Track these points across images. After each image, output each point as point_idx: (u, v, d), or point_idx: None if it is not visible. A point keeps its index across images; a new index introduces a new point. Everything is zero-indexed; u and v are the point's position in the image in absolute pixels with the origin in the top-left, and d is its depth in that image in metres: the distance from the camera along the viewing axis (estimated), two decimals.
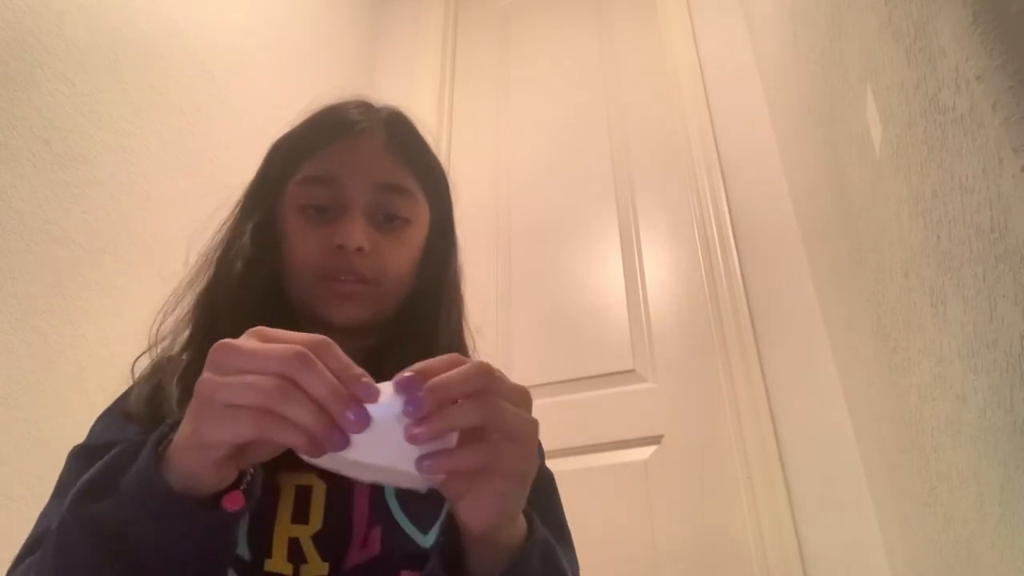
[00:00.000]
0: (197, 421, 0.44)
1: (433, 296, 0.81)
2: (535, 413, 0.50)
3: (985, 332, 0.80)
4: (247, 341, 0.45)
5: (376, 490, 0.66)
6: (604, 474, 1.76)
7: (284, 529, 0.61)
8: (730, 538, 1.61)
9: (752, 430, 1.69)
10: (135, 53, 1.59)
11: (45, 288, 1.29)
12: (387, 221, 0.76)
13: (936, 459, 1.05)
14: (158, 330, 0.76)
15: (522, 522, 0.55)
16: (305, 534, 0.62)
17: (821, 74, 1.42)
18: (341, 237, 0.72)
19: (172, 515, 0.45)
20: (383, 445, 0.44)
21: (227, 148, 1.73)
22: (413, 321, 0.78)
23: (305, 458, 0.44)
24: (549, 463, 0.82)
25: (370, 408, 0.43)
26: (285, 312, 0.75)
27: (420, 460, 0.44)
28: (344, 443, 0.43)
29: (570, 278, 2.06)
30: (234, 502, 0.48)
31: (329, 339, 0.45)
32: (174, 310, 0.77)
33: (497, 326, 2.02)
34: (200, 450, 0.45)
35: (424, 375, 0.45)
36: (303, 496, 0.64)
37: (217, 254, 0.79)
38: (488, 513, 0.49)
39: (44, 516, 0.61)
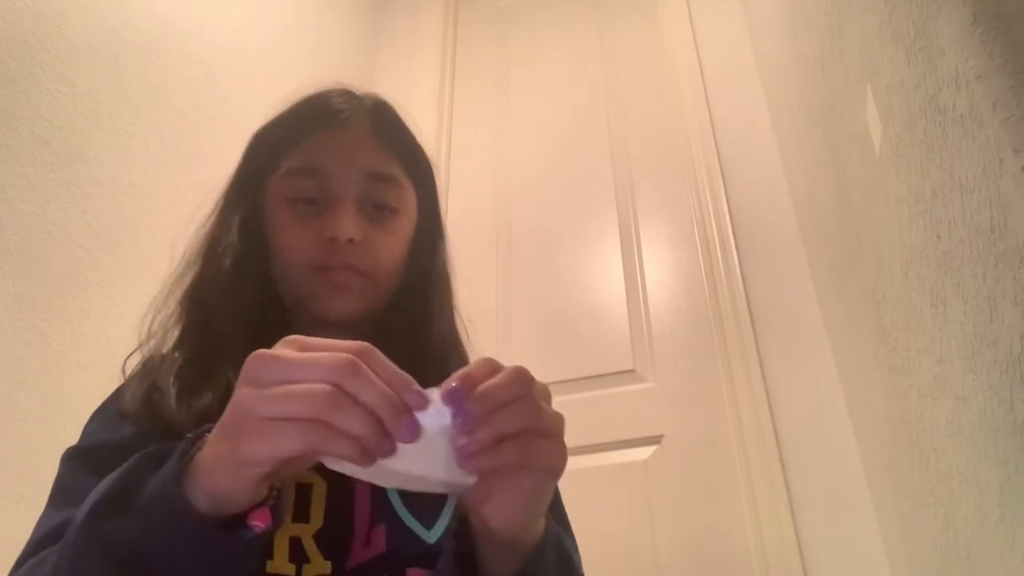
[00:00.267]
0: (237, 438, 0.42)
1: (423, 286, 0.80)
2: None
3: (985, 332, 0.80)
4: (286, 351, 0.43)
5: (378, 486, 0.65)
6: (604, 474, 1.76)
7: (285, 529, 0.60)
8: (730, 538, 1.61)
9: (752, 430, 1.69)
10: (135, 53, 1.59)
11: (45, 288, 1.29)
12: (377, 211, 0.75)
13: (936, 459, 1.05)
14: (149, 328, 0.74)
15: (542, 519, 0.54)
16: (306, 533, 0.61)
17: (821, 74, 1.42)
18: (332, 229, 0.71)
19: (195, 537, 0.43)
20: (424, 454, 0.43)
21: (227, 148, 1.72)
22: (405, 312, 0.77)
23: (330, 465, 0.42)
24: None
25: (418, 416, 0.42)
26: (277, 307, 0.74)
27: (464, 459, 0.43)
28: (392, 452, 0.42)
29: (570, 278, 2.05)
30: (262, 519, 0.46)
31: (372, 345, 0.43)
32: (162, 307, 0.75)
33: (497, 326, 2.02)
34: (239, 469, 0.42)
35: (469, 384, 0.44)
36: (303, 494, 0.62)
37: (204, 250, 0.77)
38: (518, 512, 0.49)
39: (44, 521, 0.59)
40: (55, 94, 1.37)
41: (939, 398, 0.99)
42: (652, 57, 2.37)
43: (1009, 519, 0.82)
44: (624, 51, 2.42)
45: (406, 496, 0.65)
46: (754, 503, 1.62)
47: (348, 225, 0.71)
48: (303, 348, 0.43)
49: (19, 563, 0.55)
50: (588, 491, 1.73)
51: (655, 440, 1.78)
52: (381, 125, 0.79)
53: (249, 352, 0.66)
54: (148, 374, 0.68)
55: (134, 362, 0.73)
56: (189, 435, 0.47)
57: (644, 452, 1.76)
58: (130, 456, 0.51)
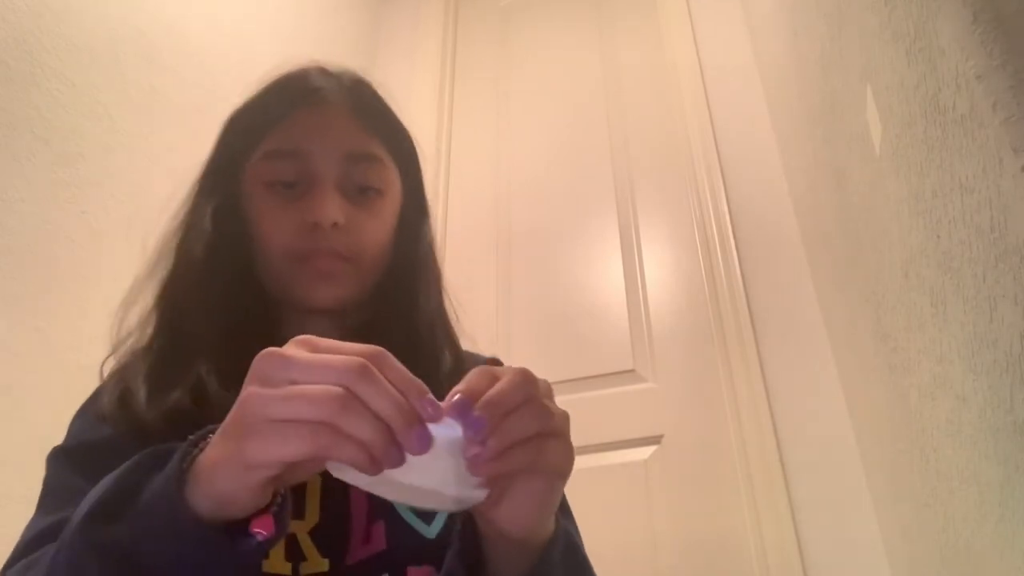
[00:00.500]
0: (241, 439, 0.40)
1: (410, 269, 0.76)
2: None
3: (985, 332, 0.80)
4: (297, 351, 0.41)
5: None
6: (604, 474, 1.76)
7: None
8: (730, 538, 1.61)
9: (752, 430, 1.69)
10: (135, 53, 1.59)
11: (44, 288, 1.29)
12: (360, 193, 0.72)
13: (936, 459, 1.05)
14: (119, 327, 0.71)
15: (552, 518, 0.54)
16: (302, 530, 0.59)
17: (821, 74, 1.42)
18: (314, 213, 0.68)
19: (196, 542, 0.42)
20: (434, 466, 0.41)
21: None
22: (391, 297, 0.74)
23: (336, 474, 0.41)
24: None
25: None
26: (258, 297, 0.71)
27: (476, 468, 0.42)
28: (400, 461, 0.40)
29: (570, 278, 2.05)
30: (265, 527, 0.44)
31: (385, 350, 0.42)
32: (135, 303, 0.72)
33: (497, 326, 2.02)
34: (243, 471, 0.41)
35: (472, 395, 0.43)
36: (297, 489, 0.60)
37: (176, 241, 0.74)
38: (531, 514, 0.48)
39: (33, 523, 0.58)
40: (55, 94, 1.37)
41: (939, 398, 0.99)
42: (652, 57, 2.37)
43: (1009, 519, 0.82)
44: (624, 51, 2.42)
45: None
46: (754, 503, 1.62)
47: (331, 209, 0.68)
48: (314, 349, 0.42)
49: (8, 565, 0.53)
50: (588, 491, 1.73)
51: (655, 440, 1.78)
52: (361, 103, 0.76)
53: (225, 346, 0.64)
54: (122, 374, 0.67)
55: (115, 362, 0.71)
56: (191, 436, 0.46)
57: (644, 452, 1.76)
58: (117, 454, 0.49)
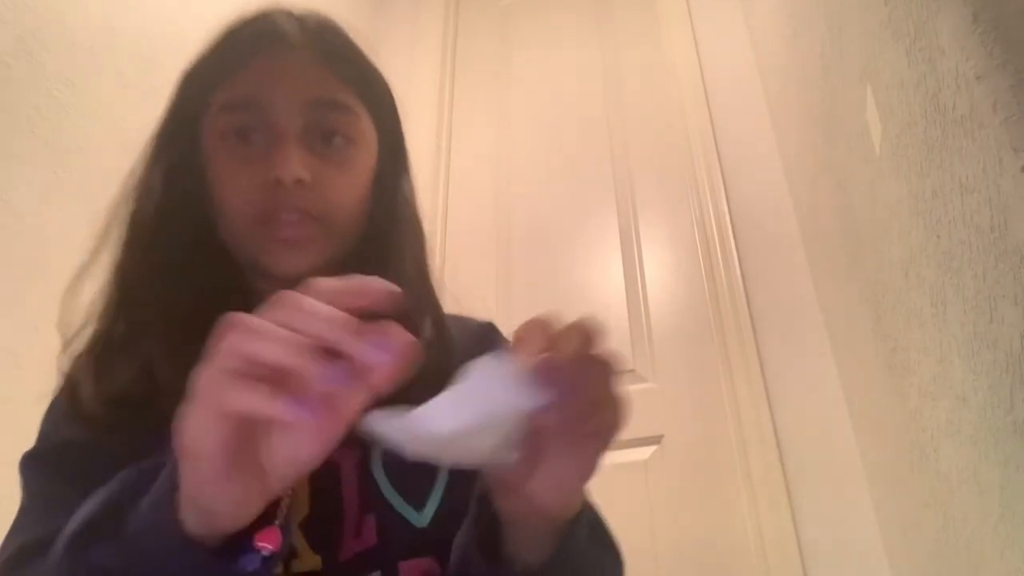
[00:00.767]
0: (205, 403, 0.37)
1: (389, 230, 0.68)
2: None
3: (985, 332, 0.80)
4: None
5: (363, 467, 0.59)
6: (604, 474, 1.75)
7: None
8: (730, 538, 1.61)
9: (752, 430, 1.69)
10: (135, 53, 1.59)
11: (44, 288, 1.29)
12: (326, 144, 0.64)
13: (936, 459, 1.05)
14: (68, 316, 0.65)
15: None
16: (292, 522, 0.55)
17: (821, 74, 1.42)
18: (275, 170, 0.60)
19: (194, 568, 0.39)
20: (469, 412, 0.38)
21: None
22: (370, 262, 0.66)
23: (366, 427, 0.37)
24: None
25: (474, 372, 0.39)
26: (220, 268, 0.65)
27: (547, 372, 0.39)
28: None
29: (570, 278, 2.05)
30: (271, 540, 0.41)
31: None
32: (82, 290, 0.66)
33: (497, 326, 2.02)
34: (198, 461, 0.38)
35: (542, 350, 0.40)
36: None
37: (127, 210, 0.66)
38: (574, 482, 0.45)
39: (14, 537, 0.54)
40: (55, 94, 1.37)
41: (939, 398, 0.99)
42: (652, 57, 2.37)
43: (1009, 519, 0.82)
44: (624, 51, 2.42)
45: (394, 472, 0.60)
46: (754, 503, 1.62)
47: (293, 163, 0.61)
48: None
49: None
50: (588, 491, 1.72)
51: (655, 440, 1.77)
52: (328, 46, 0.67)
53: (180, 324, 0.58)
54: (74, 365, 0.62)
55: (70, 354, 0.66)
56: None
57: (644, 452, 1.76)
58: (87, 453, 0.47)
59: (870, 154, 1.14)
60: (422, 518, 0.59)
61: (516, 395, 0.38)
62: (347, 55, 0.69)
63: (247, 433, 0.38)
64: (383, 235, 0.68)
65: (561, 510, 0.47)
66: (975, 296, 0.81)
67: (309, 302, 0.37)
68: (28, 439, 0.65)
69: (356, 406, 0.38)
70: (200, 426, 0.37)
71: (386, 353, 0.36)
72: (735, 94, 2.14)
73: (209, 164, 0.64)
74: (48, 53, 1.38)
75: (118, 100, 1.53)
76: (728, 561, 1.60)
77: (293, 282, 0.58)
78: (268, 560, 0.41)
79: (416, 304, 0.67)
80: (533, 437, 0.41)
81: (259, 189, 0.61)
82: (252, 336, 0.36)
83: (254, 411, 0.36)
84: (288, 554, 0.54)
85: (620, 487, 1.74)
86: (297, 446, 0.38)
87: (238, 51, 0.66)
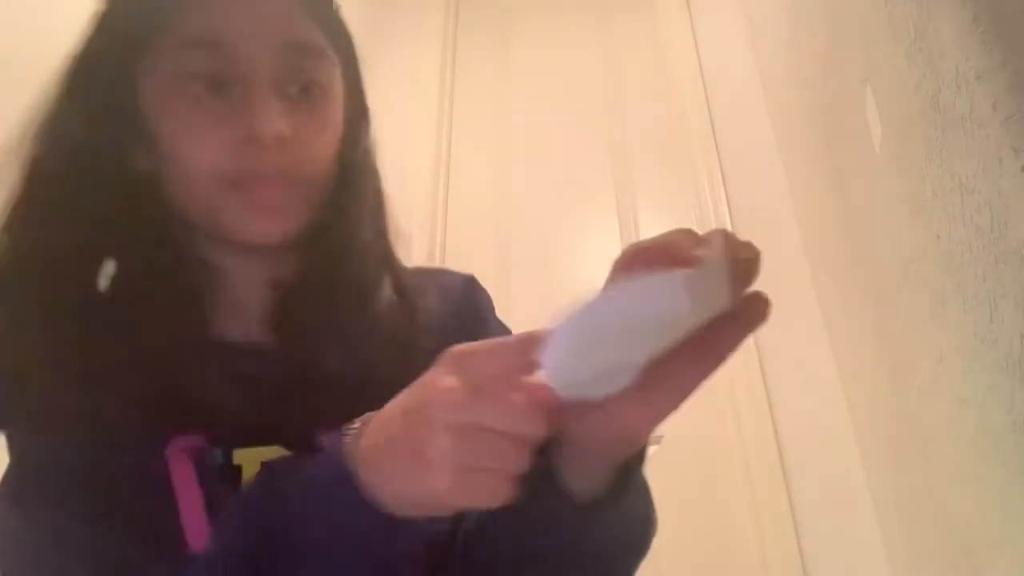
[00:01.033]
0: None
1: (347, 188, 0.60)
2: None
3: (985, 332, 0.80)
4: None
5: None
6: None
7: None
8: (730, 538, 1.61)
9: (752, 430, 1.69)
10: None
11: None
12: (303, 95, 0.54)
13: (936, 459, 1.05)
14: None
15: None
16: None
17: (821, 74, 1.42)
18: (252, 125, 0.51)
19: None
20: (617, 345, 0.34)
21: None
22: (332, 226, 0.58)
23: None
24: None
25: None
26: (160, 231, 0.54)
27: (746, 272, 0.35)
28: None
29: (570, 278, 2.05)
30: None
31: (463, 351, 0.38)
32: None
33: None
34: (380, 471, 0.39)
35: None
36: None
37: (28, 158, 0.53)
38: (665, 415, 0.40)
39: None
40: None
41: (939, 398, 0.99)
42: (652, 57, 2.37)
43: (1009, 519, 0.82)
44: (624, 51, 2.42)
45: None
46: (754, 503, 1.62)
47: (274, 117, 0.51)
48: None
49: None
50: None
51: (655, 440, 1.77)
52: None
53: (95, 301, 0.50)
54: None
55: None
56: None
57: None
58: (69, 468, 0.45)
59: (870, 154, 1.14)
60: None
61: (695, 301, 0.33)
62: None
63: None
64: (341, 193, 0.59)
65: (638, 440, 0.44)
66: (975, 296, 0.81)
67: (504, 387, 0.36)
68: None
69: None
70: (401, 463, 0.38)
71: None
72: (735, 94, 2.14)
73: (157, 112, 0.52)
74: (49, 53, 1.38)
75: None
76: (728, 561, 1.60)
77: (258, 251, 0.55)
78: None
79: (372, 267, 0.61)
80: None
81: (231, 146, 0.51)
82: (484, 400, 0.36)
83: (467, 483, 0.36)
84: None
85: None
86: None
87: None
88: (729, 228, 1.94)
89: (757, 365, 1.76)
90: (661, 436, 1.91)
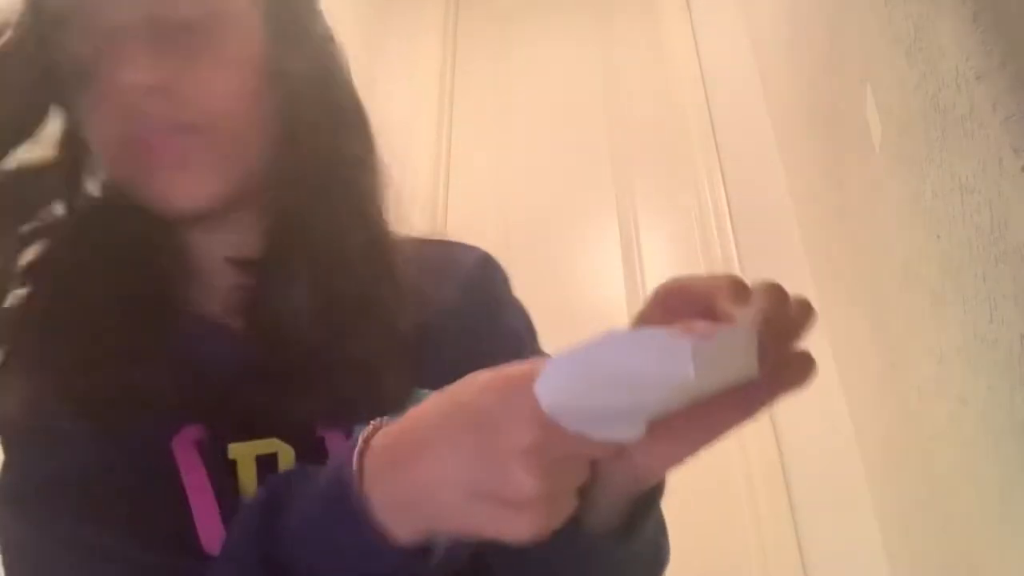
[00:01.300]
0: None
1: (306, 134, 0.51)
2: None
3: (985, 332, 0.80)
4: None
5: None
6: None
7: None
8: (730, 538, 1.61)
9: (752, 431, 1.69)
10: None
11: None
12: (183, 34, 0.47)
13: (936, 459, 1.05)
14: None
15: None
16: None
17: (821, 74, 1.42)
18: (115, 81, 0.46)
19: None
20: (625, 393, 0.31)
21: None
22: (285, 183, 0.51)
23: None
24: None
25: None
26: (124, 213, 0.50)
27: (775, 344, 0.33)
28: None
29: (570, 278, 2.05)
30: None
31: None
32: None
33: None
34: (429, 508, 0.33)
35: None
36: (268, 468, 0.48)
37: None
38: (692, 452, 0.38)
39: None
40: None
41: (939, 398, 0.99)
42: (652, 57, 2.37)
43: (1009, 519, 0.82)
44: (624, 51, 2.42)
45: None
46: (754, 503, 1.62)
47: (134, 69, 0.45)
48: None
49: None
50: None
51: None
52: None
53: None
54: None
55: None
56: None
57: None
58: (89, 478, 0.44)
59: (870, 154, 1.14)
60: None
61: (725, 369, 0.31)
62: None
63: None
64: (287, 143, 0.51)
65: (657, 477, 0.41)
66: (975, 296, 0.81)
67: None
68: None
69: None
70: (476, 512, 0.32)
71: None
72: (735, 94, 2.14)
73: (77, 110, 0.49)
74: None
75: None
76: (728, 562, 1.60)
77: (203, 222, 0.49)
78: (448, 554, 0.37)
79: (349, 230, 0.52)
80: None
81: (112, 114, 0.47)
82: (561, 438, 0.30)
83: (550, 515, 0.31)
84: None
85: None
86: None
87: None
88: (729, 228, 1.95)
89: None
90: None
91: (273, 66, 0.50)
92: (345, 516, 0.34)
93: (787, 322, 0.34)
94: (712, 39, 2.28)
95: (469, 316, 0.57)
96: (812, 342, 0.34)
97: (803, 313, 0.35)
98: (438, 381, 0.35)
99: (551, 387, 0.31)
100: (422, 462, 0.32)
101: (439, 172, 2.33)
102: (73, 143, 0.50)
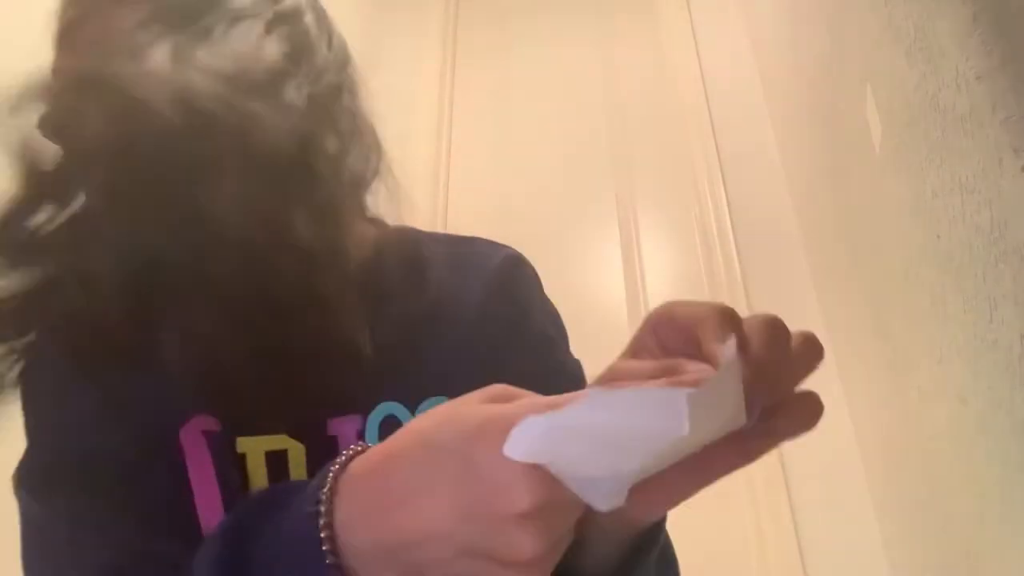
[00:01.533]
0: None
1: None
2: None
3: (985, 332, 0.80)
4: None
5: (361, 438, 0.51)
6: None
7: None
8: (730, 538, 1.61)
9: None
10: None
11: None
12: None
13: (936, 459, 1.05)
14: None
15: None
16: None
17: (821, 74, 1.42)
18: None
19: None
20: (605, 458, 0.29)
21: None
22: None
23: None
24: None
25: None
26: None
27: (759, 387, 0.30)
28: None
29: (570, 278, 2.05)
30: None
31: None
32: None
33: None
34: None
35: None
36: (277, 464, 0.48)
37: None
38: (683, 498, 0.35)
39: (51, 560, 0.46)
40: None
41: (939, 398, 0.99)
42: (652, 57, 2.37)
43: (1009, 519, 0.82)
44: (624, 51, 2.42)
45: None
46: (754, 503, 1.62)
47: None
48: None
49: None
50: None
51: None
52: None
53: None
54: None
55: None
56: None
57: None
58: (118, 463, 0.44)
59: (870, 154, 1.14)
60: None
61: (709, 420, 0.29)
62: None
63: None
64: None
65: (650, 520, 0.40)
66: (975, 296, 0.81)
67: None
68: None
69: None
70: (448, 559, 0.30)
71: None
72: (735, 94, 2.14)
73: None
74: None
75: None
76: (728, 561, 1.60)
77: None
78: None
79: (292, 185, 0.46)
80: None
81: None
82: (561, 498, 0.29)
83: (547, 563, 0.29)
84: None
85: None
86: None
87: None
88: (729, 228, 1.94)
89: None
90: None
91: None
92: (315, 571, 0.32)
93: (786, 363, 0.32)
94: (712, 39, 2.28)
95: (493, 315, 0.56)
96: None
97: (808, 351, 0.33)
98: (456, 382, 0.34)
99: (521, 442, 0.28)
100: (406, 511, 0.31)
101: (439, 172, 2.34)
102: None
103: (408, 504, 0.31)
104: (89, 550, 0.44)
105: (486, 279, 0.58)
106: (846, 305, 1.51)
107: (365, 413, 0.50)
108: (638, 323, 0.37)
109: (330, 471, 0.33)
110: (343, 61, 0.55)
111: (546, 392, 0.31)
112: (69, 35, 0.51)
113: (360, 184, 0.54)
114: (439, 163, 2.35)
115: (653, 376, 0.33)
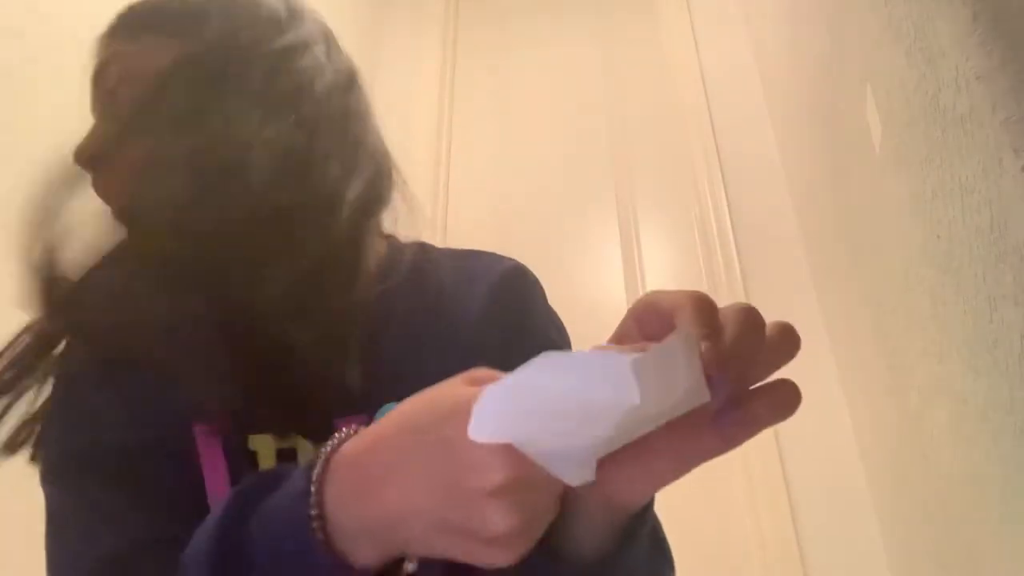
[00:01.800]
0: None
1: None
2: None
3: (985, 332, 0.80)
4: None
5: None
6: None
7: None
8: (730, 538, 1.61)
9: None
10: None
11: None
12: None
13: (936, 459, 1.05)
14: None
15: None
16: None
17: (821, 74, 1.42)
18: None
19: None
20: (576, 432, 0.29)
21: None
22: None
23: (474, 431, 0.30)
24: None
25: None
26: None
27: (716, 365, 0.31)
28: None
29: (570, 278, 2.05)
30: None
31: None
32: None
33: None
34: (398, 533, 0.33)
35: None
36: (288, 461, 0.49)
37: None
38: (667, 480, 0.36)
39: (67, 544, 0.48)
40: (55, 93, 1.37)
41: (939, 398, 0.99)
42: (652, 57, 2.37)
43: (1009, 520, 0.82)
44: (624, 51, 2.42)
45: None
46: (754, 503, 1.62)
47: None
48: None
49: None
50: None
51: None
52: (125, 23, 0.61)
53: None
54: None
55: None
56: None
57: None
58: (131, 456, 0.46)
59: (870, 154, 1.14)
60: None
61: (677, 393, 0.29)
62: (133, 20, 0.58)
63: None
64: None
65: (636, 504, 0.40)
66: (975, 296, 0.81)
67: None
68: None
69: None
70: (449, 546, 0.32)
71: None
72: (735, 94, 2.14)
73: None
74: (49, 52, 1.38)
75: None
76: (728, 561, 1.60)
77: None
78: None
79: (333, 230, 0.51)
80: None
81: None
82: (532, 473, 0.30)
83: (522, 543, 0.31)
84: None
85: None
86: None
87: None
88: (729, 228, 1.94)
89: None
90: None
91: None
92: (304, 545, 0.33)
93: (760, 349, 0.34)
94: (712, 39, 2.28)
95: (495, 320, 0.58)
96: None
97: (784, 341, 0.35)
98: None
99: (484, 422, 0.29)
100: (389, 490, 0.32)
101: (439, 172, 2.33)
102: None
103: (390, 483, 0.32)
104: (104, 537, 0.46)
105: (489, 287, 0.60)
106: (846, 305, 1.51)
107: (371, 412, 0.51)
108: None
109: (323, 452, 0.35)
110: (348, 85, 0.59)
111: None
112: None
113: (371, 212, 0.56)
114: (439, 163, 2.35)
115: None
